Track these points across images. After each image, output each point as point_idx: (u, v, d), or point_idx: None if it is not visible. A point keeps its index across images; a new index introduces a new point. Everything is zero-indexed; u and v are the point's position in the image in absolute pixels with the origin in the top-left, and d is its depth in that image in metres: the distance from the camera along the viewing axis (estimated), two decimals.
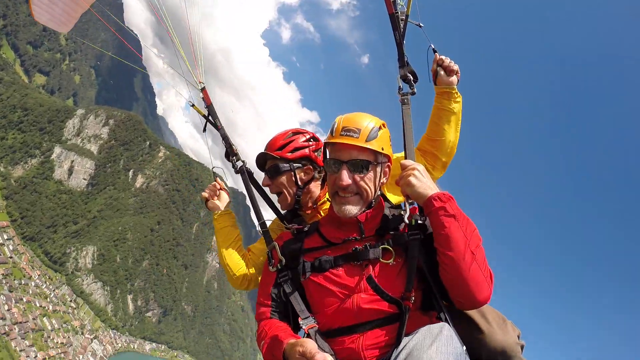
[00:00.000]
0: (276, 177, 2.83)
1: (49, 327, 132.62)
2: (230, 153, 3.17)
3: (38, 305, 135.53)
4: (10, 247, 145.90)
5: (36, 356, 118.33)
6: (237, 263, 2.89)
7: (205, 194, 3.11)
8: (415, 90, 2.81)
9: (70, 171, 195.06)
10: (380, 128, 2.21)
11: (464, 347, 1.78)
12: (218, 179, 3.18)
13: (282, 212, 2.98)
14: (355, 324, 2.03)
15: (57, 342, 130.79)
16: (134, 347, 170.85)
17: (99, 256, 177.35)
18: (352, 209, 2.17)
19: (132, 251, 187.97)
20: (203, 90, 3.34)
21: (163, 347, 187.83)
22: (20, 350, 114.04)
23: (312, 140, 2.90)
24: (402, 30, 2.88)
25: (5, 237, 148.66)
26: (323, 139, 2.59)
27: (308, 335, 2.08)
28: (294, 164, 2.80)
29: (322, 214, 2.81)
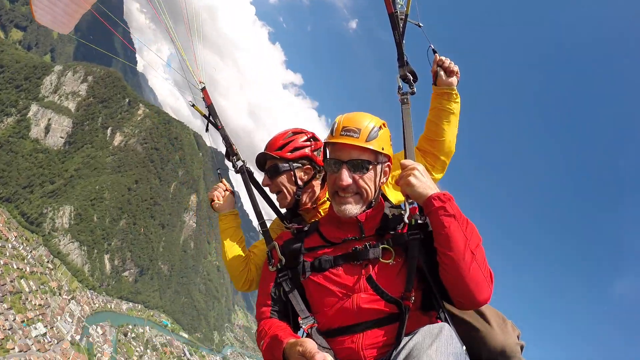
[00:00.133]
0: (276, 176, 2.83)
1: (27, 289, 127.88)
2: (231, 153, 3.17)
3: (15, 267, 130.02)
4: None
5: (14, 319, 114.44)
6: (240, 264, 2.88)
7: (211, 195, 3.11)
8: (415, 89, 2.80)
9: (47, 129, 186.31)
10: (380, 128, 2.22)
11: (464, 347, 1.80)
12: (224, 180, 3.18)
13: (282, 211, 2.99)
14: (355, 324, 2.04)
15: (35, 304, 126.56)
16: (111, 307, 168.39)
17: (75, 216, 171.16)
18: (352, 209, 2.18)
19: (109, 210, 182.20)
20: (203, 90, 3.35)
21: (139, 306, 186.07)
22: None
23: (311, 140, 2.90)
24: (401, 29, 2.85)
25: None
26: (323, 138, 2.56)
27: (308, 335, 2.11)
28: (294, 164, 2.81)
29: (322, 214, 2.81)
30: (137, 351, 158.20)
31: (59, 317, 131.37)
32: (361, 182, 2.16)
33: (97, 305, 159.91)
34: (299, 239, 2.42)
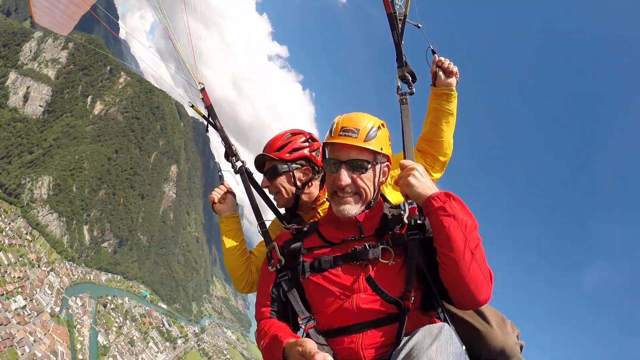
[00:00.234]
0: (275, 178, 2.84)
1: (5, 262, 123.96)
2: (230, 153, 3.16)
3: None
4: None
5: None
6: (240, 266, 2.89)
7: (212, 197, 3.10)
8: (414, 90, 2.80)
9: (26, 98, 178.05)
10: (379, 128, 2.22)
11: (464, 347, 1.80)
12: (225, 182, 3.16)
13: (282, 212, 3.00)
14: (355, 324, 2.04)
15: (14, 277, 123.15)
16: (90, 278, 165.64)
17: (54, 186, 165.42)
18: (351, 209, 2.18)
19: (88, 181, 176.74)
20: (203, 91, 3.36)
21: (119, 277, 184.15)
22: None
23: (310, 140, 2.90)
24: (400, 30, 2.85)
25: None
26: (322, 139, 2.57)
27: (308, 335, 2.10)
28: (293, 165, 2.81)
29: (321, 214, 2.82)
30: (116, 322, 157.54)
31: (38, 290, 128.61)
32: (360, 182, 2.17)
33: (76, 276, 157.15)
34: (299, 240, 2.41)
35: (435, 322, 2.05)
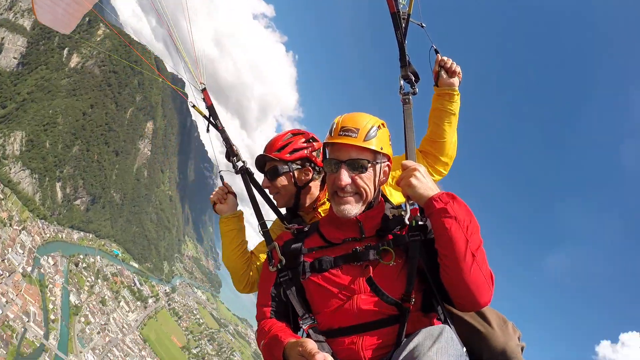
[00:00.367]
0: (275, 178, 2.84)
1: None
2: (231, 153, 3.14)
3: None
4: None
5: None
6: (241, 266, 2.89)
7: (213, 198, 3.09)
8: (417, 90, 2.78)
9: (0, 49, 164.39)
10: (379, 128, 2.21)
11: (465, 349, 1.80)
12: (225, 183, 3.16)
13: (283, 212, 3.00)
14: (355, 325, 2.03)
15: None
16: (62, 237, 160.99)
17: (27, 142, 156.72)
18: (351, 209, 2.17)
19: (62, 136, 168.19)
20: (204, 91, 3.35)
21: (91, 236, 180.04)
22: None
23: (310, 141, 2.90)
24: (403, 29, 2.81)
25: None
26: (322, 139, 2.56)
27: (308, 335, 2.10)
28: (293, 165, 2.82)
29: (322, 215, 2.82)
30: (88, 281, 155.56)
31: (9, 249, 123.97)
32: (360, 181, 2.15)
33: (48, 235, 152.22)
34: (299, 240, 2.41)
35: (436, 324, 2.07)
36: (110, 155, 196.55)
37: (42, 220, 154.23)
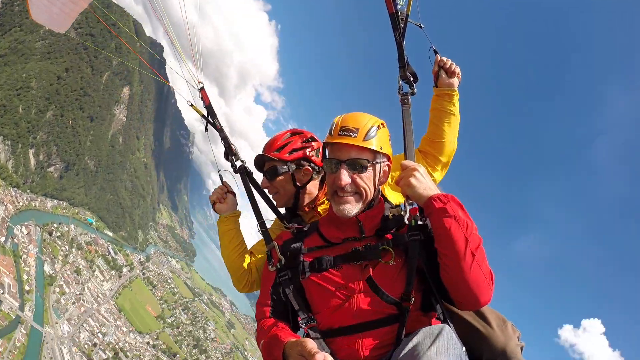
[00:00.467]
0: (274, 178, 2.84)
1: None
2: (230, 153, 3.13)
3: None
4: None
5: None
6: (240, 266, 2.89)
7: (212, 197, 3.10)
8: (416, 90, 2.79)
9: None
10: (379, 127, 2.21)
11: (464, 348, 1.79)
12: (225, 182, 3.17)
13: (282, 212, 3.02)
14: (355, 324, 2.03)
15: None
16: (35, 205, 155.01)
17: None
18: (351, 209, 2.17)
19: (35, 101, 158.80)
20: (202, 90, 3.32)
21: (64, 204, 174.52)
22: None
23: (310, 140, 2.90)
24: (402, 30, 2.82)
25: None
26: (322, 139, 2.56)
27: (308, 335, 2.11)
28: (292, 165, 2.82)
29: (321, 214, 2.83)
30: (62, 250, 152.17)
31: None
32: (360, 181, 2.15)
33: (21, 203, 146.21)
34: (299, 239, 2.41)
35: (436, 323, 2.06)
36: (85, 121, 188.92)
37: (15, 189, 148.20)
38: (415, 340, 1.75)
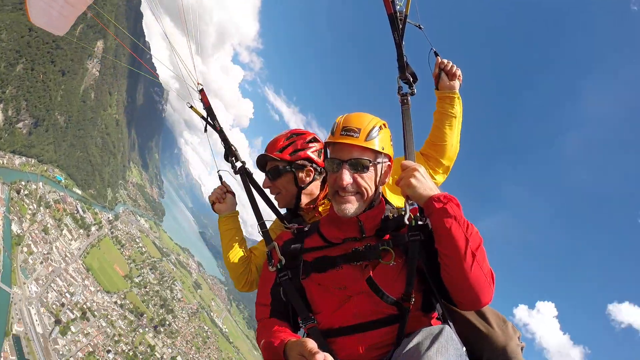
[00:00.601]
0: (277, 178, 2.88)
1: None
2: (230, 154, 3.16)
3: None
4: None
5: None
6: (241, 265, 2.91)
7: (212, 197, 3.12)
8: (415, 90, 2.81)
9: None
10: (380, 128, 2.21)
11: (464, 349, 1.80)
12: (224, 182, 3.20)
13: (282, 212, 3.03)
14: (355, 325, 2.04)
15: None
16: (3, 163, 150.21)
17: None
18: (352, 209, 2.16)
19: (5, 54, 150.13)
20: (201, 91, 3.33)
21: (33, 161, 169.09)
22: None
23: (313, 141, 2.92)
24: (401, 31, 2.83)
25: None
26: (324, 139, 2.55)
27: (308, 335, 2.12)
28: (295, 165, 2.83)
29: (322, 214, 2.85)
30: (30, 209, 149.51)
31: None
32: (361, 181, 2.15)
33: None
34: (299, 239, 2.43)
35: (436, 323, 2.08)
36: (56, 75, 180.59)
37: None
38: (415, 340, 1.75)
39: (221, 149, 3.31)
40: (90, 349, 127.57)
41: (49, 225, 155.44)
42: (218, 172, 3.21)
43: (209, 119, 3.28)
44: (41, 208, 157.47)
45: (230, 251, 2.92)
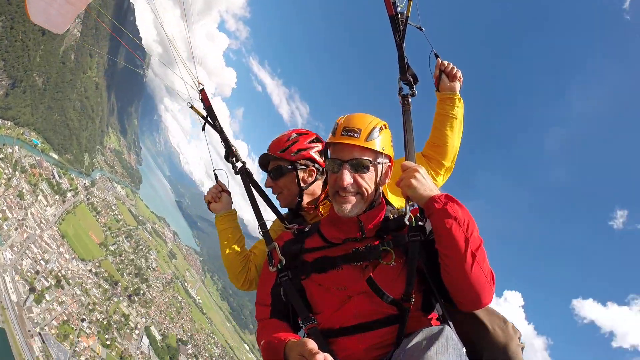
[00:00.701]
0: (279, 178, 2.88)
1: None
2: (230, 154, 3.16)
3: None
4: None
5: None
6: (239, 264, 2.92)
7: (207, 197, 3.12)
8: (416, 91, 2.83)
9: None
10: (381, 129, 2.23)
11: (464, 349, 1.80)
12: (219, 181, 3.20)
13: (284, 212, 3.04)
14: (355, 325, 2.06)
15: None
16: None
17: None
18: (353, 209, 2.18)
19: None
20: (202, 91, 3.33)
21: (9, 123, 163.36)
22: None
23: (315, 141, 2.94)
24: (402, 33, 2.84)
25: None
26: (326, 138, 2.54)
27: (308, 335, 2.13)
28: (297, 165, 2.84)
29: (323, 214, 2.87)
30: (5, 173, 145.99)
31: None
32: (361, 181, 2.16)
33: None
34: (300, 240, 2.45)
35: (436, 324, 2.10)
36: (36, 34, 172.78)
37: None
38: (415, 340, 1.75)
39: (214, 147, 3.38)
40: (65, 318, 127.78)
41: (24, 191, 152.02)
42: (214, 171, 3.22)
43: (209, 119, 3.28)
44: (17, 172, 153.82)
45: (228, 250, 2.94)
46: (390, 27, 2.78)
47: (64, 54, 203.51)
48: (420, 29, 2.94)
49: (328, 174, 2.31)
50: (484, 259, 1.92)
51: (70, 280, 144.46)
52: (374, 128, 2.19)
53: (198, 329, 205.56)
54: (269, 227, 2.81)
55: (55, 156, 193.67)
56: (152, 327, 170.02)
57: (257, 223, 2.79)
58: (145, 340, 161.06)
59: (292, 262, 2.36)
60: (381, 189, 2.33)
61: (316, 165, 2.87)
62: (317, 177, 2.88)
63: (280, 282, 2.34)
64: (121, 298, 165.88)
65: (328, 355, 1.54)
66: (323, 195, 2.91)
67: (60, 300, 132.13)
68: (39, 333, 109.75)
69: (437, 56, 2.98)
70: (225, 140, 3.18)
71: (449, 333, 1.76)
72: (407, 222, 2.12)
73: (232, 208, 3.10)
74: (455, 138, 2.96)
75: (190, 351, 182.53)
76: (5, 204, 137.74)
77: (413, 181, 2.07)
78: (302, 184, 2.83)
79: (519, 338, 2.35)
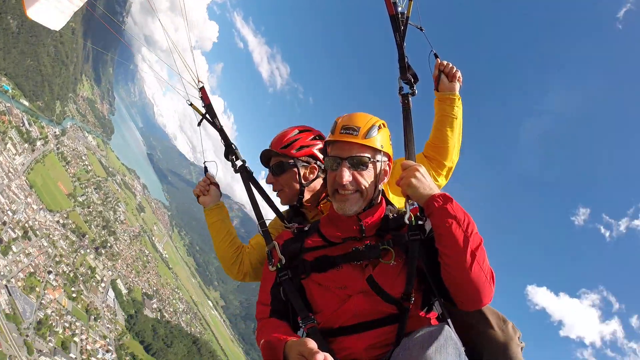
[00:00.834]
0: (280, 174, 2.86)
1: None
2: (230, 152, 3.15)
3: None
4: None
5: None
6: (230, 257, 2.94)
7: (196, 190, 3.13)
8: (416, 91, 2.83)
9: None
10: (380, 127, 2.23)
11: (464, 348, 1.80)
12: (208, 174, 3.19)
13: (283, 209, 3.04)
14: (355, 324, 2.05)
15: None
16: None
17: None
18: (352, 206, 2.18)
19: None
20: (202, 89, 3.31)
21: None
22: None
23: (318, 138, 2.93)
24: (402, 32, 2.85)
25: None
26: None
27: (308, 335, 2.10)
28: (299, 162, 2.83)
29: (324, 212, 2.84)
30: None
31: None
32: (360, 179, 2.16)
33: None
34: (300, 239, 2.42)
35: (436, 323, 2.09)
36: None
37: None
38: (415, 339, 1.75)
39: (205, 144, 3.44)
40: (32, 270, 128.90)
41: None
42: (204, 163, 3.24)
43: (207, 116, 3.30)
44: None
45: (219, 243, 2.97)
46: (391, 26, 2.84)
47: None
48: (421, 29, 2.99)
49: (327, 172, 2.30)
50: (484, 258, 1.93)
51: (38, 232, 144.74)
52: (372, 126, 2.19)
53: (163, 284, 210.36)
54: (268, 226, 2.79)
55: (26, 103, 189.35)
56: (118, 281, 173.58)
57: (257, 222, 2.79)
58: (111, 293, 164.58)
59: (292, 261, 2.34)
60: (380, 187, 2.33)
61: (318, 162, 2.88)
62: (319, 175, 2.89)
63: (280, 282, 2.32)
64: (88, 250, 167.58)
65: (328, 355, 1.55)
66: (324, 194, 2.90)
67: (27, 252, 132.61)
68: (5, 285, 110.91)
69: (436, 56, 3.01)
70: (224, 138, 3.19)
71: (449, 332, 1.77)
72: (407, 221, 2.14)
73: (220, 200, 3.13)
74: (455, 138, 2.97)
75: (155, 305, 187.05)
76: None
77: (413, 180, 2.08)
78: (303, 181, 2.83)
79: (519, 337, 2.36)
